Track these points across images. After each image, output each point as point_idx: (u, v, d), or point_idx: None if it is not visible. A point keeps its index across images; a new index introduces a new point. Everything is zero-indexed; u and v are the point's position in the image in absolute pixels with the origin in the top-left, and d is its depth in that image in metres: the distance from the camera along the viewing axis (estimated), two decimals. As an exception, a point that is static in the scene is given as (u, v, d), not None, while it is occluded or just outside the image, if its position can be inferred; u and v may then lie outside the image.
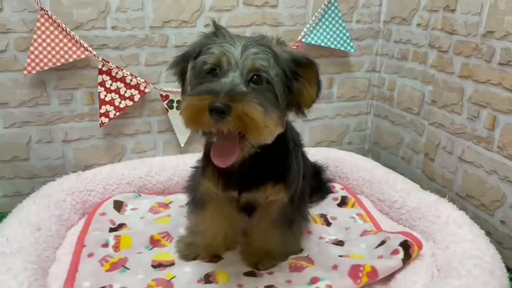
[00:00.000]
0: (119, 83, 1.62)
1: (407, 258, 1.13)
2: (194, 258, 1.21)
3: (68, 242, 1.33)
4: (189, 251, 1.22)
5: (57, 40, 1.51)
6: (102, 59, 1.57)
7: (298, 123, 1.89)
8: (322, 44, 1.78)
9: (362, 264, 1.12)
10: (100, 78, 1.59)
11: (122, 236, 1.30)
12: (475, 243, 1.16)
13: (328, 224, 1.43)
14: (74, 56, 1.54)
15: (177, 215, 1.43)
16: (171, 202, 1.55)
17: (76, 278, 1.12)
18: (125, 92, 1.63)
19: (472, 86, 1.42)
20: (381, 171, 1.62)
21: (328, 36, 1.79)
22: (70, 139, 1.67)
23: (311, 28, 1.77)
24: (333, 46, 1.80)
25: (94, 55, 1.56)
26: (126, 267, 1.16)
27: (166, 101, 1.69)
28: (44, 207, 1.35)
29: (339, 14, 1.77)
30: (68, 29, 1.52)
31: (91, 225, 1.36)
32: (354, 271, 1.10)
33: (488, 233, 1.24)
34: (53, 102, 1.61)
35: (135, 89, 1.64)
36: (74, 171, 1.60)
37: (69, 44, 1.53)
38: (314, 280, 1.11)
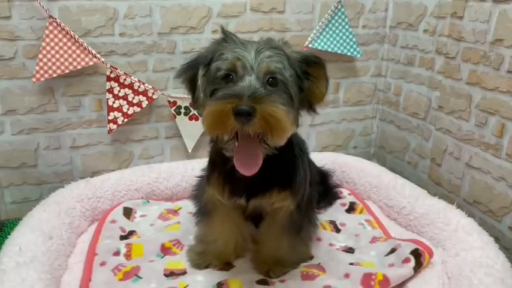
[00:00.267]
0: (126, 90, 1.62)
1: (418, 266, 1.14)
2: (206, 267, 1.22)
3: (79, 249, 1.33)
4: (201, 260, 1.22)
5: (65, 47, 1.51)
6: (110, 66, 1.58)
7: (304, 128, 1.90)
8: (329, 50, 1.79)
9: (374, 272, 1.12)
10: (108, 84, 1.59)
11: (133, 244, 1.30)
12: (485, 251, 1.17)
13: (338, 230, 1.44)
14: (82, 63, 1.54)
15: (186, 222, 1.44)
16: (179, 208, 1.55)
17: (90, 288, 1.12)
18: (133, 98, 1.63)
19: (480, 93, 1.43)
20: (388, 177, 1.63)
21: (335, 42, 1.79)
22: (78, 145, 1.67)
23: (318, 33, 1.77)
24: (339, 51, 1.80)
25: (102, 62, 1.56)
26: (138, 276, 1.16)
27: (174, 107, 1.70)
28: (55, 215, 1.35)
29: (346, 20, 1.77)
30: (76, 36, 1.52)
31: (102, 232, 1.37)
32: (366, 280, 1.11)
33: (496, 239, 1.25)
34: (61, 109, 1.61)
35: (143, 95, 1.64)
36: (82, 177, 1.60)
37: (78, 51, 1.53)
38: (326, 288, 1.12)
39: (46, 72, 1.51)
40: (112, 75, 1.59)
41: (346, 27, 1.78)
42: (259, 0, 1.69)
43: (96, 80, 1.61)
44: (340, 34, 1.79)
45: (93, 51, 1.55)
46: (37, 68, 1.50)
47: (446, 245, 1.26)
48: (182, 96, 1.68)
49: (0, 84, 1.52)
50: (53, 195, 1.46)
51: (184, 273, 1.20)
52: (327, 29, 1.78)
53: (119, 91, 1.61)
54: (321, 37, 1.78)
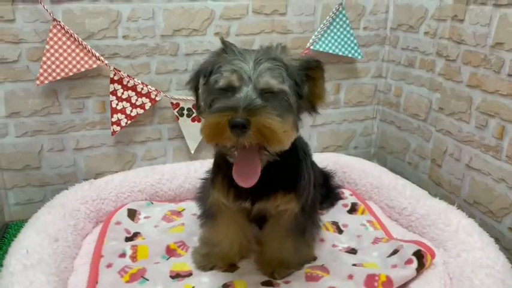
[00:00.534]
0: (130, 92, 1.63)
1: (420, 267, 1.16)
2: (211, 269, 1.23)
3: (84, 251, 1.35)
4: (206, 262, 1.24)
5: (69, 50, 1.52)
6: (114, 68, 1.58)
7: (306, 129, 1.92)
8: (330, 51, 1.80)
9: (377, 273, 1.14)
10: (112, 87, 1.60)
11: (138, 245, 1.32)
12: (486, 252, 1.19)
13: (340, 231, 1.46)
14: (86, 66, 1.55)
15: (190, 224, 1.45)
16: (183, 210, 1.57)
17: (97, 290, 1.14)
18: (136, 100, 1.64)
19: (480, 96, 1.45)
20: (388, 177, 1.64)
21: (336, 44, 1.80)
22: (81, 147, 1.68)
23: (319, 35, 1.78)
24: (340, 53, 1.82)
25: (106, 64, 1.57)
26: (145, 278, 1.18)
27: (176, 109, 1.71)
28: (60, 217, 1.36)
29: (347, 22, 1.79)
30: (80, 39, 1.52)
31: (107, 234, 1.38)
32: (370, 281, 1.13)
33: (496, 240, 1.27)
34: (64, 111, 1.62)
35: (146, 97, 1.65)
36: (85, 179, 1.61)
37: (81, 54, 1.54)
38: (331, 290, 1.13)
39: (50, 74, 1.51)
40: (115, 78, 1.60)
41: (348, 29, 1.80)
42: (261, 3, 1.70)
43: (99, 82, 1.62)
44: (342, 36, 1.80)
45: (97, 54, 1.55)
46: (41, 70, 1.50)
47: (447, 246, 1.28)
48: (185, 98, 1.70)
49: (4, 87, 1.53)
50: (57, 197, 1.47)
51: (189, 274, 1.22)
52: (329, 31, 1.79)
53: (122, 93, 1.62)
54: (323, 39, 1.79)
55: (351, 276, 1.17)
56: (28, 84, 1.54)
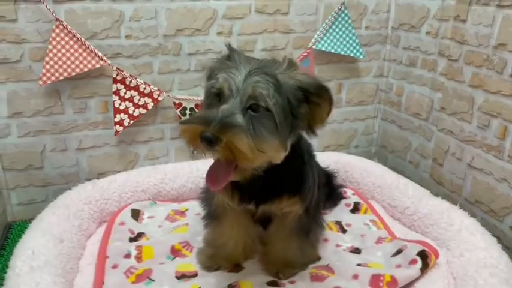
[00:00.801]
0: (132, 92, 1.63)
1: (425, 267, 1.17)
2: (217, 269, 1.24)
3: (89, 252, 1.35)
4: (212, 263, 1.25)
5: (72, 50, 1.51)
6: (117, 68, 1.58)
7: (307, 128, 1.91)
8: (332, 51, 1.80)
9: (382, 273, 1.15)
10: (114, 87, 1.60)
11: (143, 246, 1.32)
12: (489, 251, 1.20)
13: (344, 231, 1.46)
14: (89, 66, 1.54)
15: (194, 224, 1.45)
16: (186, 210, 1.57)
17: (103, 291, 1.14)
18: (139, 100, 1.64)
19: (482, 96, 1.46)
20: (390, 177, 1.65)
21: (338, 43, 1.81)
22: (84, 147, 1.68)
23: (321, 35, 1.79)
24: (342, 52, 1.82)
25: (108, 64, 1.57)
26: (151, 279, 1.18)
27: (179, 109, 1.71)
28: (64, 217, 1.36)
29: (349, 21, 1.79)
30: (82, 39, 1.52)
31: (111, 235, 1.38)
32: (375, 281, 1.14)
33: (497, 239, 1.28)
34: (67, 111, 1.61)
35: (149, 97, 1.65)
36: (88, 179, 1.61)
37: (84, 54, 1.53)
38: (336, 290, 1.14)
39: (52, 75, 1.51)
40: (118, 78, 1.60)
41: (349, 28, 1.80)
42: (263, 2, 1.70)
43: (102, 82, 1.61)
44: (343, 35, 1.81)
45: (100, 54, 1.55)
46: (43, 70, 1.50)
47: (450, 246, 1.29)
48: (187, 97, 1.70)
49: (6, 87, 1.52)
50: (60, 198, 1.47)
51: (195, 275, 1.22)
52: (331, 30, 1.79)
53: (125, 93, 1.62)
54: (325, 38, 1.80)
55: (355, 276, 1.18)
56: (30, 84, 1.54)
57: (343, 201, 1.63)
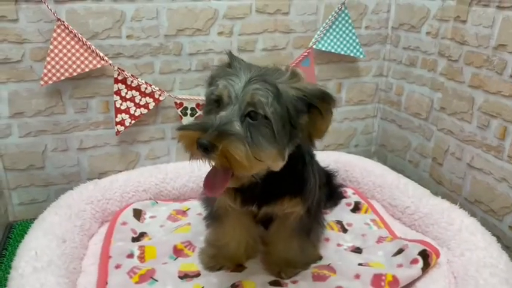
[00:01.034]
0: (134, 92, 1.63)
1: (426, 267, 1.18)
2: (219, 269, 1.25)
3: (91, 252, 1.35)
4: (214, 263, 1.25)
5: (73, 50, 1.51)
6: (118, 68, 1.58)
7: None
8: (333, 51, 1.81)
9: (384, 273, 1.16)
10: (115, 87, 1.60)
11: (146, 246, 1.33)
12: (489, 251, 1.21)
13: (345, 230, 1.47)
14: (90, 66, 1.54)
15: (196, 223, 1.46)
16: (188, 209, 1.57)
17: (107, 291, 1.15)
18: (140, 100, 1.64)
19: (482, 96, 1.47)
20: (391, 176, 1.66)
21: (338, 43, 1.81)
22: (85, 147, 1.68)
23: (321, 35, 1.79)
24: (342, 52, 1.83)
25: (110, 64, 1.57)
26: (154, 279, 1.19)
27: (180, 108, 1.71)
28: (66, 218, 1.37)
29: (349, 21, 1.79)
30: (83, 39, 1.52)
31: (113, 235, 1.38)
32: (377, 280, 1.15)
33: (497, 239, 1.29)
34: (68, 111, 1.61)
35: (150, 97, 1.65)
36: (89, 179, 1.62)
37: (86, 54, 1.53)
38: (338, 289, 1.15)
39: (54, 75, 1.51)
40: (119, 78, 1.60)
41: (350, 28, 1.81)
42: (264, 2, 1.70)
43: (103, 82, 1.62)
44: (344, 35, 1.81)
45: (101, 54, 1.55)
46: (45, 71, 1.50)
47: (451, 245, 1.30)
48: (188, 97, 1.70)
49: (7, 87, 1.52)
50: (62, 198, 1.47)
51: (198, 275, 1.23)
52: (331, 30, 1.80)
53: (126, 93, 1.62)
54: (325, 38, 1.80)
55: (357, 276, 1.19)
56: (32, 84, 1.54)
57: (344, 201, 1.64)
